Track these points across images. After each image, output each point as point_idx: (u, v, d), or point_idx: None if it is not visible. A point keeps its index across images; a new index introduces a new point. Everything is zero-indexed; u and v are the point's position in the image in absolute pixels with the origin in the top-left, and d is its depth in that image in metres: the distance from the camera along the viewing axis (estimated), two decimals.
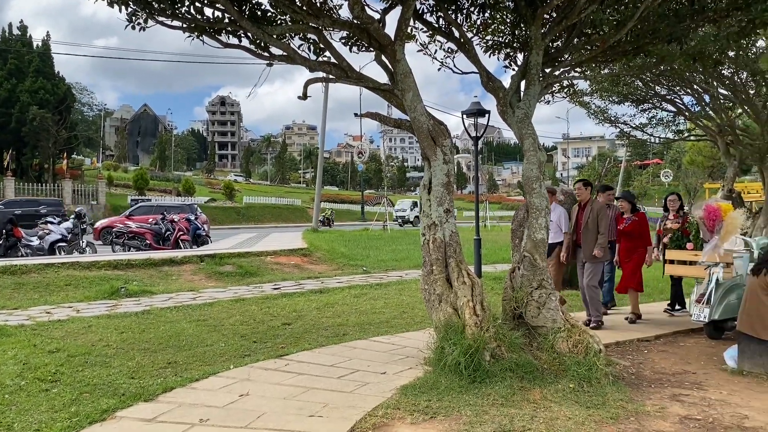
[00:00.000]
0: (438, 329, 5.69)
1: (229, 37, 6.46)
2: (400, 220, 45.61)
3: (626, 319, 8.27)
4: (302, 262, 15.37)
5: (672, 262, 8.52)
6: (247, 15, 6.17)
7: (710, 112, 18.80)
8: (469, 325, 5.40)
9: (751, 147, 18.28)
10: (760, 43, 15.69)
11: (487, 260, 15.19)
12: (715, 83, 17.14)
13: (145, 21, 6.02)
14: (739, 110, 18.95)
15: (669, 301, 9.18)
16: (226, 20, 6.15)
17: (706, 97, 18.23)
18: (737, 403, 4.96)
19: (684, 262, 8.26)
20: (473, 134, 13.61)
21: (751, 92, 17.12)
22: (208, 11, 6.13)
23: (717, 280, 7.19)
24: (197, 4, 6.02)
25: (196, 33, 6.25)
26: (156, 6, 5.85)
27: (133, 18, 5.96)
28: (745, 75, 16.73)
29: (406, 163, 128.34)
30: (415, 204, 47.07)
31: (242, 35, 6.44)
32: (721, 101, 18.18)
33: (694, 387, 5.42)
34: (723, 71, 16.37)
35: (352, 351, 6.53)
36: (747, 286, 6.08)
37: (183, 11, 6.01)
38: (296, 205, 57.49)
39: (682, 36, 6.71)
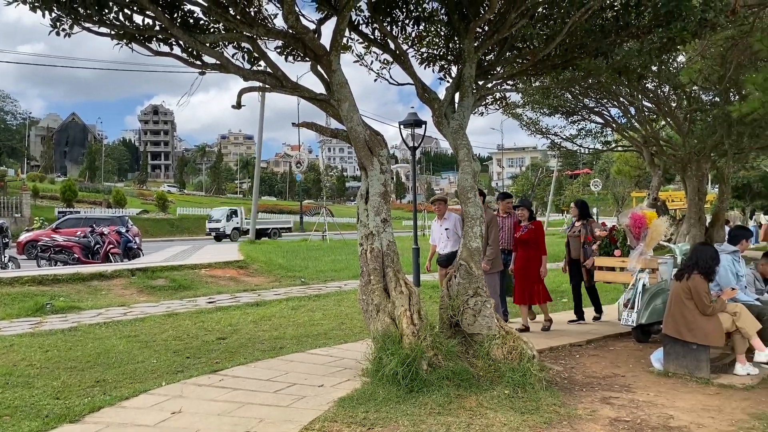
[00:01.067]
0: (376, 339, 5.68)
1: (160, 44, 6.30)
2: (213, 234, 37.13)
3: (543, 329, 8.35)
4: (238, 275, 15.10)
5: (600, 268, 8.77)
6: (178, 23, 6.04)
7: (636, 124, 19.63)
8: (407, 335, 5.42)
9: (674, 157, 19.16)
10: (681, 58, 16.50)
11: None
12: (639, 96, 17.90)
13: (71, 27, 5.79)
14: (663, 122, 19.85)
15: (594, 309, 9.21)
16: (157, 28, 5.99)
17: (632, 110, 19.03)
18: (663, 404, 5.15)
19: (612, 269, 8.53)
20: (410, 144, 13.75)
21: (673, 105, 17.99)
22: (137, 18, 5.96)
23: (643, 285, 7.47)
24: (126, 11, 5.84)
25: (125, 40, 6.06)
26: (82, 12, 5.64)
27: (58, 24, 5.73)
28: (667, 88, 17.57)
29: (345, 173, 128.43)
30: (234, 213, 38.51)
31: (174, 43, 6.29)
32: (646, 113, 19.00)
33: (623, 389, 5.60)
34: (647, 85, 17.13)
35: (288, 364, 6.44)
36: (671, 291, 6.33)
37: (111, 18, 5.81)
38: None
39: (608, 51, 6.98)
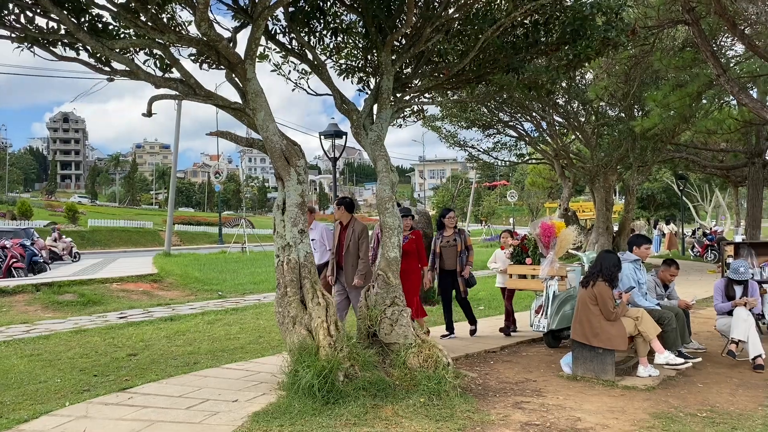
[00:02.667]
0: (292, 352, 5.62)
1: (65, 49, 6.02)
2: None
3: None
4: (152, 289, 14.58)
5: (511, 276, 8.98)
6: (86, 27, 5.80)
7: (547, 138, 20.47)
8: (323, 346, 5.39)
9: (583, 169, 20.07)
10: (589, 75, 17.36)
11: None
12: (550, 111, 18.69)
13: None
14: (572, 136, 20.78)
15: (469, 321, 8.71)
16: (62, 31, 5.74)
17: (544, 124, 19.86)
18: (571, 407, 5.35)
19: (524, 276, 8.78)
20: (331, 155, 13.73)
21: (582, 120, 18.87)
22: (41, 21, 5.69)
23: (553, 292, 7.75)
24: (28, 13, 5.56)
25: (26, 43, 5.76)
26: None
27: None
28: (576, 104, 18.45)
29: (266, 184, 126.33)
30: None
31: (81, 48, 6.04)
32: (557, 128, 19.87)
33: (535, 394, 5.78)
34: (557, 100, 17.92)
35: (202, 380, 6.26)
36: (578, 298, 6.60)
37: (11, 20, 5.52)
38: (147, 228, 54.35)
39: (519, 66, 7.24)
